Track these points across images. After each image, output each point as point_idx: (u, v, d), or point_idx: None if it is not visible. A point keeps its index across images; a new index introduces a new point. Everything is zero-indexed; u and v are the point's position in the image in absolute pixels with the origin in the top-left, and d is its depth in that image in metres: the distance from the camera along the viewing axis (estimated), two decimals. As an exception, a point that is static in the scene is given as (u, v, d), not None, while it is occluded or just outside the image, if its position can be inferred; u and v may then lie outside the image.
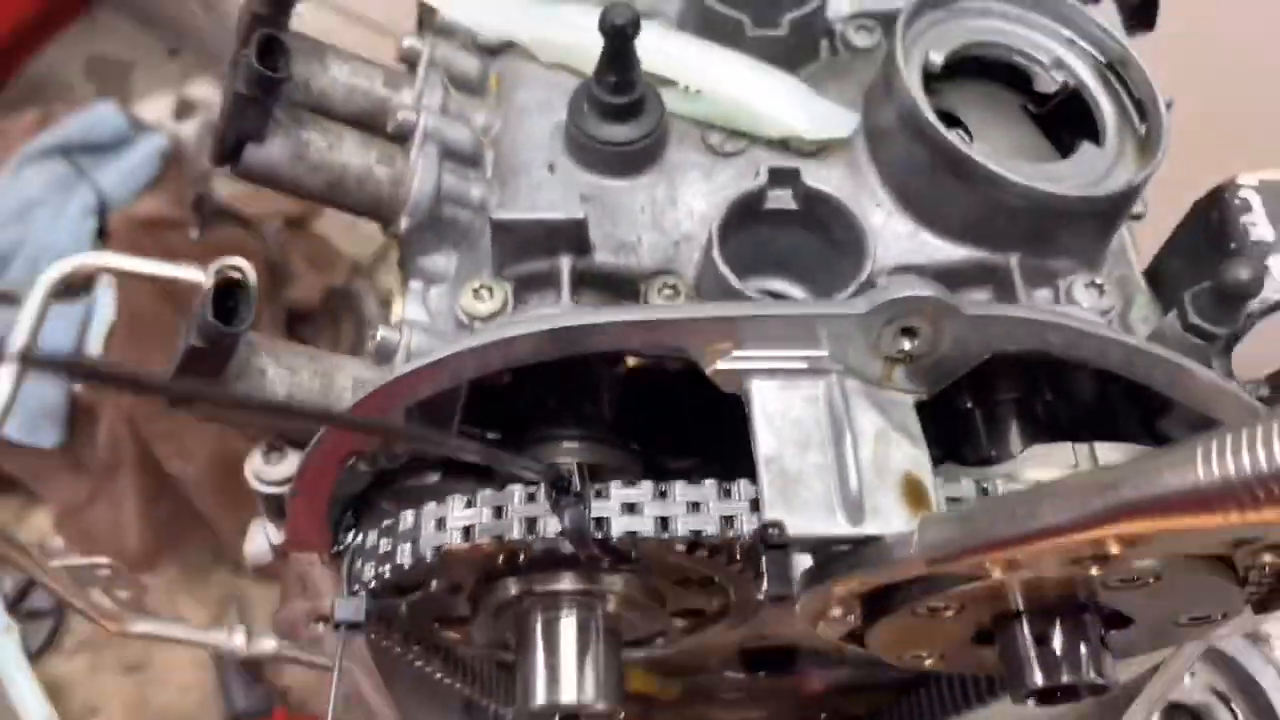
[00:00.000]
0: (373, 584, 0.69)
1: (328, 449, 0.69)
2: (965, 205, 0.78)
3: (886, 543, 0.64)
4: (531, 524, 0.65)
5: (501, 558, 0.70)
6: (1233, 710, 1.14)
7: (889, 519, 0.64)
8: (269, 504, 0.75)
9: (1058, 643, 0.72)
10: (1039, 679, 0.71)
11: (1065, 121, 0.86)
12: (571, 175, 0.82)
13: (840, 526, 0.64)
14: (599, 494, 0.65)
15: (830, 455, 0.66)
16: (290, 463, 0.73)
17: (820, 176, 0.80)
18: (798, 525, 0.64)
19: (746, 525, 0.65)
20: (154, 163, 3.03)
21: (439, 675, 0.88)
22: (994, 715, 1.06)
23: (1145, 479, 0.50)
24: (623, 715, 0.73)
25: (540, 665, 0.71)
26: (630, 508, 0.65)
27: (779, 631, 0.94)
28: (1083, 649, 0.71)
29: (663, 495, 0.66)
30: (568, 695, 0.70)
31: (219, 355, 0.64)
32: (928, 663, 0.82)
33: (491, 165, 0.85)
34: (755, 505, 0.65)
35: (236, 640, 1.37)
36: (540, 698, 0.71)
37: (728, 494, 0.66)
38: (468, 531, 0.66)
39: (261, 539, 0.78)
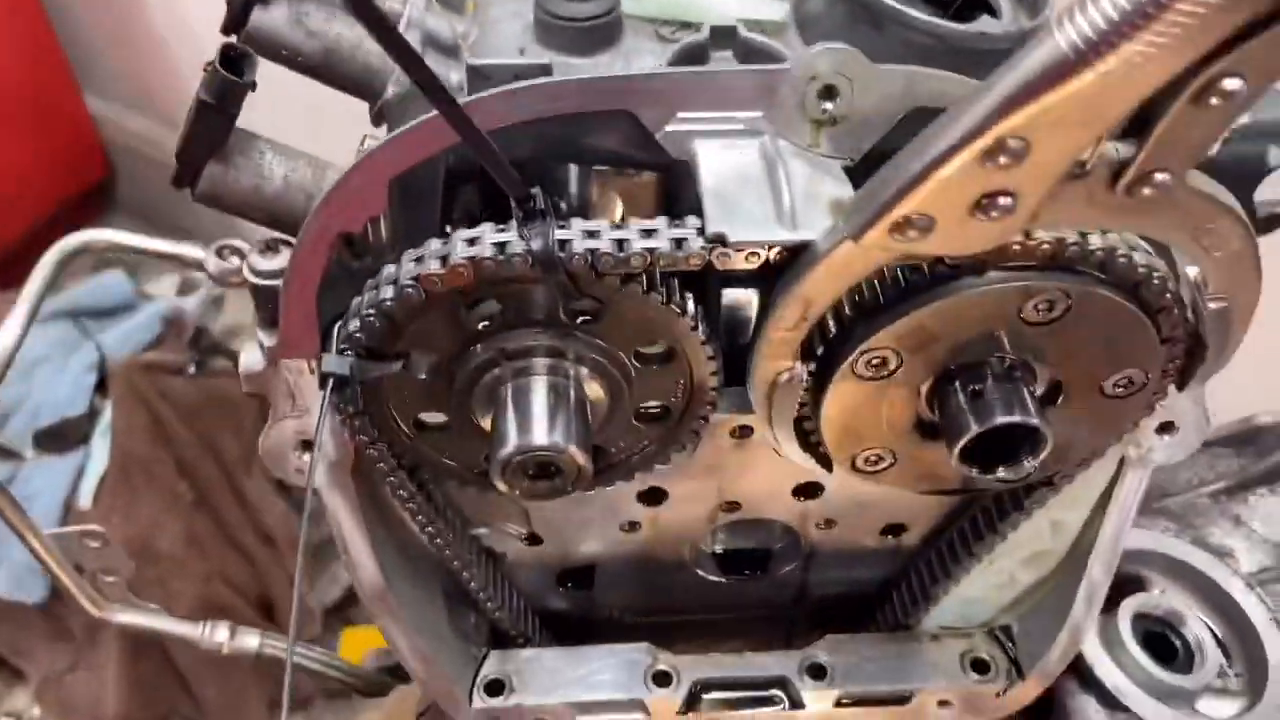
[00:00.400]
0: (359, 334, 0.75)
1: (321, 225, 0.77)
2: (882, 56, 0.89)
3: (819, 245, 0.71)
4: (502, 246, 0.72)
5: (480, 322, 0.76)
6: (1202, 619, 1.15)
7: (820, 227, 0.72)
8: (261, 300, 0.82)
9: (989, 390, 0.78)
10: (974, 425, 0.77)
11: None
12: (539, 55, 0.93)
13: (777, 233, 0.72)
14: (562, 227, 0.73)
15: (766, 187, 0.74)
16: (284, 258, 0.81)
17: (757, 48, 0.91)
18: (738, 234, 0.72)
19: (695, 245, 0.72)
20: (155, 325, 3.17)
21: (419, 518, 0.92)
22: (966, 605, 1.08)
23: (1019, 70, 0.59)
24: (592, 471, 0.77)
25: (511, 418, 0.76)
26: (591, 234, 0.73)
27: (740, 487, 0.98)
28: (1012, 392, 0.77)
29: (620, 227, 0.74)
30: (539, 438, 0.75)
31: (225, 114, 0.74)
32: (883, 469, 0.87)
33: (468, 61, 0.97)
34: (702, 230, 0.73)
35: (219, 635, 1.38)
36: (511, 443, 0.75)
37: (678, 224, 0.74)
38: (444, 259, 0.73)
39: (255, 350, 0.84)
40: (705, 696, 1.07)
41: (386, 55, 0.91)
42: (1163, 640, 1.15)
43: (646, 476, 0.96)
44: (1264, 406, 1.29)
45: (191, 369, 2.87)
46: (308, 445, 0.88)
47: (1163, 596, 1.16)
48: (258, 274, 0.81)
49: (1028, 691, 1.07)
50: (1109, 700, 1.08)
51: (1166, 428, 0.93)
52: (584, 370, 0.79)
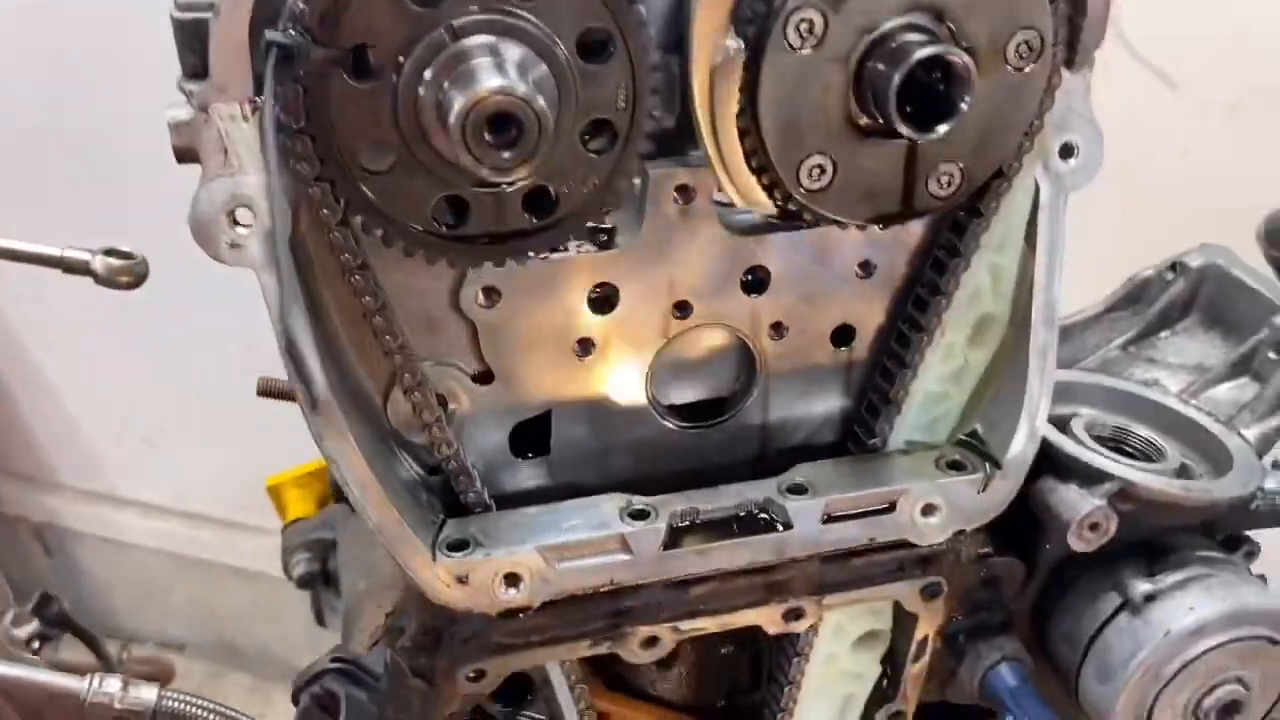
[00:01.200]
0: (302, 6, 0.75)
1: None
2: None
3: None
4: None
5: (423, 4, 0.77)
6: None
7: None
8: (187, 42, 0.80)
9: (907, 41, 0.83)
10: (898, 73, 0.82)
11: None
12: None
13: None
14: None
15: None
16: (213, 0, 0.81)
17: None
18: None
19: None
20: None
21: (367, 299, 0.86)
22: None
23: None
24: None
25: (461, 86, 0.75)
26: None
27: (690, 281, 0.97)
28: (928, 36, 0.83)
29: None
30: (491, 81, 0.74)
31: None
32: (826, 184, 0.89)
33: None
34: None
35: (110, 687, 1.18)
36: (462, 97, 0.74)
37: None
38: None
39: (183, 105, 0.81)
40: (690, 530, 0.98)
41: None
42: (1119, 451, 1.14)
43: (596, 267, 0.95)
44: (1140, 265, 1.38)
45: (36, 644, 2.56)
46: (239, 215, 0.83)
47: (1108, 416, 1.16)
48: (182, 7, 0.80)
49: (1007, 484, 1.03)
50: (1090, 476, 1.05)
51: (1068, 150, 0.99)
52: (529, 53, 0.80)
